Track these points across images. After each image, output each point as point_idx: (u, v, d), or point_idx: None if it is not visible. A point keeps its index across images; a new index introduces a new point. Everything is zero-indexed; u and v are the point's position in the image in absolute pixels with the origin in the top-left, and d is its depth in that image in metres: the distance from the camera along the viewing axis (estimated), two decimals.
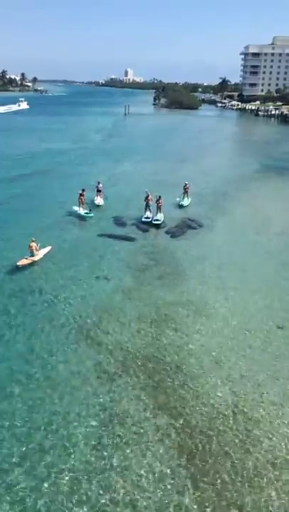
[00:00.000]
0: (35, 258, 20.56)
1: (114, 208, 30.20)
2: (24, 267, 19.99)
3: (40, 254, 20.91)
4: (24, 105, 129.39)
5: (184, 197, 31.62)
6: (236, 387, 12.85)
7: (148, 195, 27.56)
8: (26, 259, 20.32)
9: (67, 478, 9.83)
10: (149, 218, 27.13)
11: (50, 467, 10.06)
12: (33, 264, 20.39)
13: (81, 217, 28.22)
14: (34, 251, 20.52)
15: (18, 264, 19.93)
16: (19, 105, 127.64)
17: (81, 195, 28.77)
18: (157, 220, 26.89)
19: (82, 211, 28.62)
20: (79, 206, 28.84)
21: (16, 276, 19.41)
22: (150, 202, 27.53)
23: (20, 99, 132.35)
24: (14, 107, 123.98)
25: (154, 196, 27.48)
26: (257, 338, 15.39)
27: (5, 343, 14.72)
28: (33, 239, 20.73)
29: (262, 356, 14.43)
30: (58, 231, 25.69)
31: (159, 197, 27.32)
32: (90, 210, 28.74)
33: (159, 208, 27.38)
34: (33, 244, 20.49)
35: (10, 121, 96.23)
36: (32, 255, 20.50)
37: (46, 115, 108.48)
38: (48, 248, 21.76)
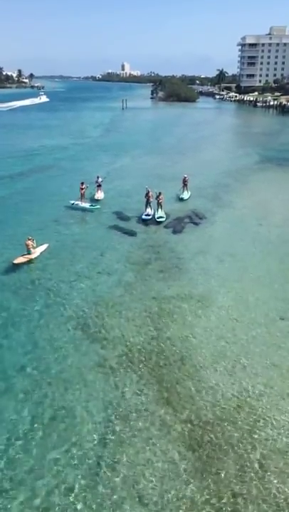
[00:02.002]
0: (32, 256, 20.53)
1: (114, 203, 30.15)
2: (22, 265, 19.92)
3: (36, 252, 20.88)
4: (44, 98, 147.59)
5: (183, 190, 31.50)
6: (240, 379, 12.85)
7: (148, 192, 27.04)
8: (23, 256, 20.30)
9: (72, 471, 9.86)
10: (149, 216, 26.64)
11: (55, 461, 10.10)
12: (30, 261, 20.35)
13: (84, 211, 28.43)
14: (31, 249, 20.49)
15: (14, 261, 19.91)
16: (40, 98, 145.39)
17: (81, 188, 29.04)
18: (161, 217, 26.40)
19: (84, 204, 28.87)
20: (81, 199, 29.10)
21: (15, 274, 19.36)
22: (151, 199, 27.02)
23: (41, 93, 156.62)
24: (36, 100, 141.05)
25: (154, 193, 27.04)
26: (260, 330, 15.37)
27: (6, 339, 14.72)
28: (30, 237, 20.67)
29: (265, 348, 14.42)
30: (58, 227, 25.65)
31: (159, 193, 26.81)
32: (96, 201, 29.39)
33: (159, 205, 26.85)
34: (30, 242, 20.44)
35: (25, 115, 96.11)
36: (29, 253, 20.47)
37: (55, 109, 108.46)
38: (45, 246, 21.71)
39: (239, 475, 9.85)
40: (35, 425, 11.13)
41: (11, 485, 9.58)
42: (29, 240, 20.54)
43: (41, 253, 21.19)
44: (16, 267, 19.81)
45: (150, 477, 9.78)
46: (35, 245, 20.76)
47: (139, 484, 9.62)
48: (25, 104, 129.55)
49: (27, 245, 20.43)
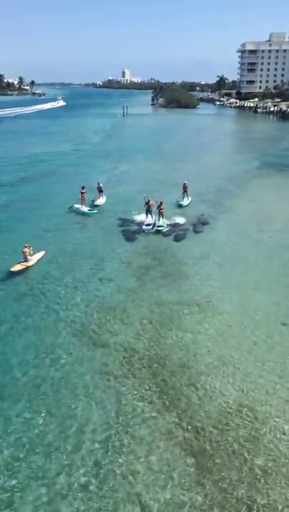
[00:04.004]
0: (29, 263, 20.49)
1: (115, 209, 30.23)
2: (19, 273, 19.87)
3: (33, 259, 20.85)
4: (61, 102, 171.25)
5: (183, 196, 31.58)
6: (242, 385, 12.81)
7: (148, 201, 26.52)
8: (20, 264, 20.26)
9: (75, 478, 9.82)
10: (150, 225, 26.01)
11: (57, 468, 10.06)
12: (27, 268, 20.29)
13: (83, 215, 28.77)
14: (28, 256, 20.46)
15: (11, 269, 19.87)
16: (58, 102, 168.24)
17: (82, 192, 29.64)
18: (160, 226, 25.84)
19: (84, 208, 29.37)
20: (81, 204, 29.65)
21: (12, 282, 19.30)
22: (152, 207, 26.59)
23: (58, 98, 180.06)
24: (56, 104, 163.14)
25: (155, 201, 26.65)
26: (261, 336, 15.34)
27: (5, 347, 14.67)
28: (26, 244, 20.64)
29: (267, 353, 14.38)
30: (58, 233, 25.71)
31: (161, 203, 26.32)
32: (94, 207, 29.89)
33: (161, 214, 26.30)
34: (27, 250, 20.41)
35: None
36: (26, 260, 20.43)
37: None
38: (42, 253, 21.67)
39: (242, 482, 9.78)
40: (35, 432, 11.10)
41: (10, 493, 9.54)
42: (26, 247, 20.48)
43: (39, 260, 21.12)
44: (13, 274, 19.74)
45: (152, 485, 9.73)
46: (31, 252, 20.72)
47: (141, 492, 9.56)
48: (47, 107, 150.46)
49: (24, 252, 20.39)
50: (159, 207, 26.40)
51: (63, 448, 10.64)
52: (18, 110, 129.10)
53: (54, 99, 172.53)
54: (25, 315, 16.60)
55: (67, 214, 29.29)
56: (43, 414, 11.68)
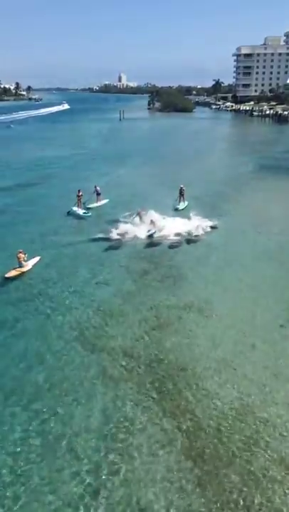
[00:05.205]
0: (24, 269, 20.37)
1: (112, 212, 30.24)
2: (15, 279, 19.75)
3: (28, 264, 20.74)
4: (66, 106, 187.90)
5: (180, 200, 31.67)
6: (242, 388, 12.77)
7: (139, 212, 26.95)
8: (15, 270, 20.17)
9: (73, 483, 9.76)
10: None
11: (54, 475, 10.00)
12: (23, 274, 20.19)
13: (80, 219, 29.30)
14: (22, 262, 20.34)
15: (6, 275, 19.76)
16: (63, 106, 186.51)
17: (78, 195, 30.65)
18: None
19: (79, 211, 30.26)
20: (78, 207, 30.57)
21: (7, 288, 19.17)
22: (144, 217, 26.79)
23: (63, 102, 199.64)
24: (61, 107, 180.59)
25: (146, 209, 26.87)
26: (260, 338, 15.32)
27: (4, 353, 14.60)
28: (21, 250, 20.50)
29: (266, 356, 14.36)
30: (54, 237, 25.65)
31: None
32: (88, 209, 30.81)
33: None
34: (21, 255, 20.30)
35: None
36: (20, 266, 20.33)
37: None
38: (37, 258, 21.58)
39: (243, 485, 9.74)
40: (34, 438, 11.04)
41: (10, 499, 9.47)
42: (20, 252, 20.37)
43: (34, 265, 21.01)
44: (8, 280, 19.64)
45: (152, 489, 9.68)
46: (26, 258, 20.63)
47: (141, 497, 9.51)
48: (54, 110, 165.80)
49: (18, 258, 20.29)
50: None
51: (60, 453, 10.58)
52: (32, 113, 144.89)
53: (60, 103, 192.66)
54: (21, 321, 16.51)
55: (64, 218, 29.40)
56: (40, 420, 11.61)
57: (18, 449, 10.72)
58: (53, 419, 11.62)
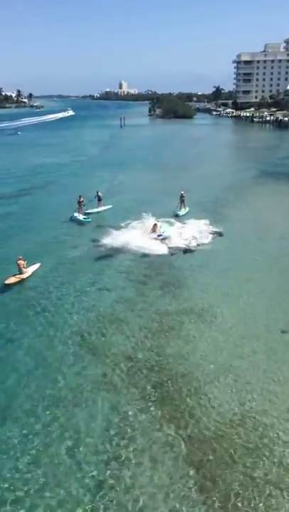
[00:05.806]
0: (24, 276, 20.34)
1: (113, 218, 30.34)
2: (14, 286, 19.73)
3: (28, 271, 20.72)
4: (71, 112, 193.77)
5: (180, 207, 31.75)
6: (243, 394, 12.74)
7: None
8: (14, 277, 20.15)
9: (74, 490, 9.71)
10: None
11: (56, 482, 9.96)
12: (22, 281, 20.17)
13: (81, 225, 29.54)
14: (22, 268, 20.32)
15: (5, 282, 19.73)
16: (68, 112, 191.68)
17: (79, 201, 30.98)
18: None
19: (80, 217, 30.56)
20: (78, 213, 30.88)
21: (7, 295, 19.15)
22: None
23: (68, 108, 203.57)
24: (66, 114, 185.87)
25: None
26: (261, 344, 15.29)
27: (4, 360, 14.59)
28: (20, 256, 20.46)
29: (267, 362, 14.32)
30: (55, 244, 25.72)
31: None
32: (88, 215, 31.13)
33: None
34: (21, 262, 20.27)
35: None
36: (20, 273, 20.31)
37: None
38: (37, 265, 21.54)
39: (244, 492, 9.68)
40: (35, 445, 11.00)
41: (12, 504, 9.43)
42: (20, 259, 20.34)
43: (34, 272, 20.97)
44: (8, 287, 19.62)
45: (154, 496, 9.62)
46: (25, 265, 20.60)
47: (143, 504, 9.45)
48: (59, 116, 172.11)
49: (18, 265, 20.27)
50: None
51: (62, 460, 10.54)
52: (39, 119, 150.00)
53: (65, 110, 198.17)
54: (21, 328, 16.46)
55: (64, 224, 29.52)
56: (41, 425, 11.59)
57: (18, 454, 10.69)
58: (52, 426, 11.58)
